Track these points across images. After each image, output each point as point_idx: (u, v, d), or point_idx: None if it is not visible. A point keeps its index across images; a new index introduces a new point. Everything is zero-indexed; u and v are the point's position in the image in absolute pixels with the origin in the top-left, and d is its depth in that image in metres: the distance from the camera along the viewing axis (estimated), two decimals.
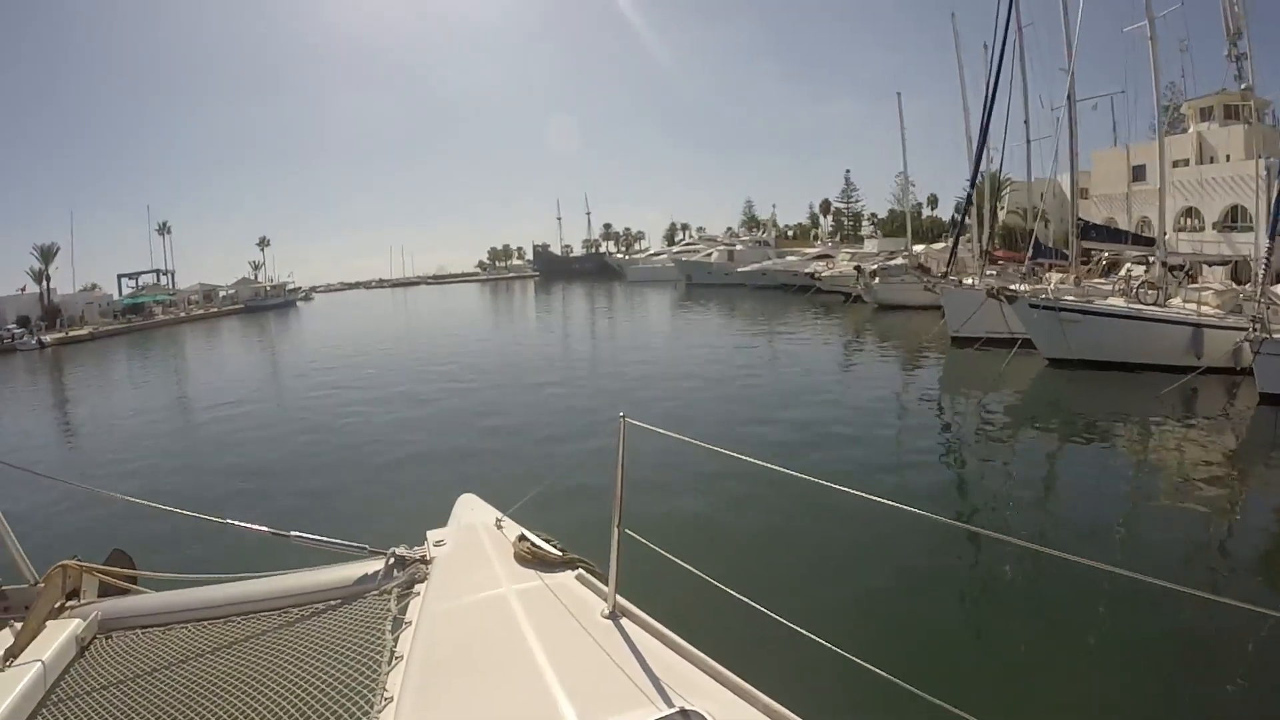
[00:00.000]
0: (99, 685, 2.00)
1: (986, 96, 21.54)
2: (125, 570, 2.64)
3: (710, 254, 57.73)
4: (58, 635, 2.16)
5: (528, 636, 1.94)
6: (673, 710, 1.57)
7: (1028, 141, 28.61)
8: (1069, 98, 22.63)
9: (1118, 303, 17.46)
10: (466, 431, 13.15)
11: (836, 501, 6.93)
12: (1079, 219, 22.52)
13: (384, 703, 1.74)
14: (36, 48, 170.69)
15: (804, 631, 2.20)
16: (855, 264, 35.13)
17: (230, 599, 2.41)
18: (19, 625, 2.21)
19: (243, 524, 2.75)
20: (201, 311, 68.38)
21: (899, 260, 33.82)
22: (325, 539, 2.58)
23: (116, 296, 65.66)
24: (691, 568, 2.39)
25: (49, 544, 4.73)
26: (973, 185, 23.68)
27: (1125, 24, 20.89)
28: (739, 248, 56.37)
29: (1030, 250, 20.74)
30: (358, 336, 36.68)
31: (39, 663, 2.00)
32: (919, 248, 37.65)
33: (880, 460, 10.80)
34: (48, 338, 46.53)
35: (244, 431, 14.70)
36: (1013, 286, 17.64)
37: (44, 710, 1.91)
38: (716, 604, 2.62)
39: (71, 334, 48.99)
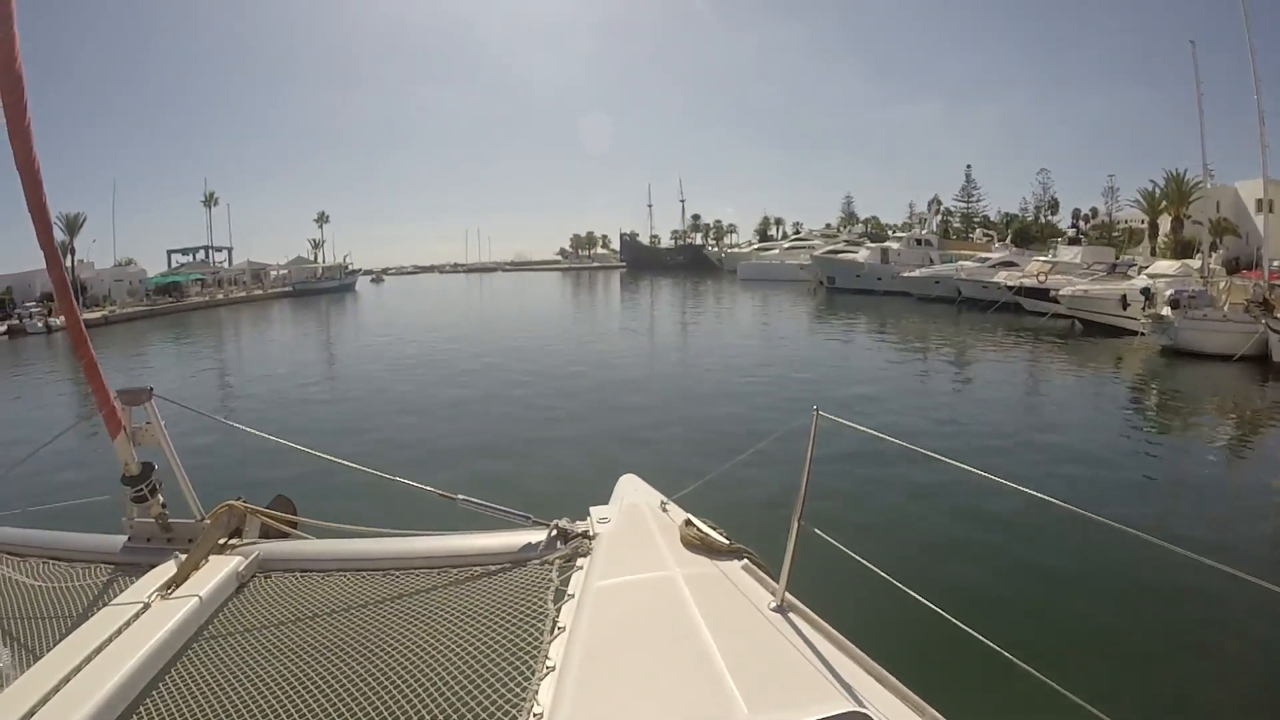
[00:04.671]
0: (255, 623, 1.99)
1: None
2: (287, 515, 2.61)
3: (858, 252, 46.24)
4: (219, 570, 2.19)
5: (694, 619, 1.82)
6: (842, 710, 1.44)
7: None
8: None
9: None
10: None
11: (1051, 519, 6.58)
12: None
13: (545, 671, 1.66)
14: (120, 26, 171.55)
15: (996, 646, 1.88)
16: (1143, 285, 23.88)
17: (390, 553, 2.36)
18: (183, 557, 2.24)
19: (412, 483, 2.65)
20: (244, 294, 60.81)
21: (1193, 285, 22.70)
22: (491, 505, 2.48)
23: (155, 273, 58.74)
24: (876, 568, 2.10)
25: (213, 485, 3.89)
26: None
27: None
28: (895, 247, 44.61)
29: None
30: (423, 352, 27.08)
31: (197, 596, 2.03)
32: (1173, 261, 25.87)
33: None
34: (56, 320, 39.01)
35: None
36: None
37: (200, 640, 1.93)
38: (889, 607, 2.56)
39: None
